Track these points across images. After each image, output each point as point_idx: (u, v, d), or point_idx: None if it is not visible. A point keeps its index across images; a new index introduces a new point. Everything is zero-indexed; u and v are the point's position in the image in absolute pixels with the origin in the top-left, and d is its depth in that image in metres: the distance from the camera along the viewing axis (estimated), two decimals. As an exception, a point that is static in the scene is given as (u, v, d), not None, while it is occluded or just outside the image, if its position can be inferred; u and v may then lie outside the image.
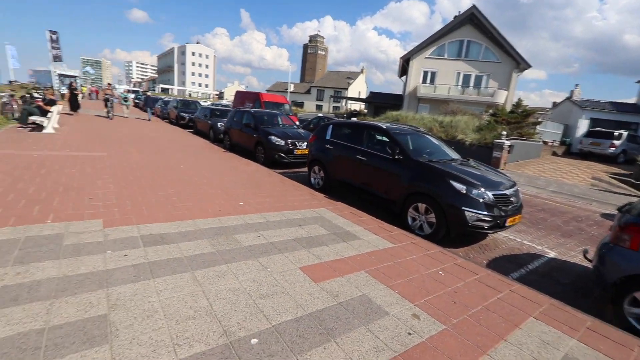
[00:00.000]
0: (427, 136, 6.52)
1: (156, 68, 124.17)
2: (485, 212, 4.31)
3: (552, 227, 6.12)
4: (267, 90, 70.44)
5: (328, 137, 6.97)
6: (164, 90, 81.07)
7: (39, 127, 9.45)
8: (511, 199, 4.63)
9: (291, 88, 59.86)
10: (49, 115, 9.68)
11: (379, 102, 33.74)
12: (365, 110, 36.30)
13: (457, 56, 28.08)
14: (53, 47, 28.88)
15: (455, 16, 27.67)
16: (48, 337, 1.92)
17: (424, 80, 29.23)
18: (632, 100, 25.39)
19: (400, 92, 32.20)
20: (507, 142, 13.48)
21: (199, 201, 4.81)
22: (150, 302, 2.36)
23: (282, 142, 9.05)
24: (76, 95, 16.02)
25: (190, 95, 72.42)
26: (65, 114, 14.22)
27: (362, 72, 61.80)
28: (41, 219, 3.51)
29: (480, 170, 5.25)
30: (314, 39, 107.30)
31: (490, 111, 19.28)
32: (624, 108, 24.06)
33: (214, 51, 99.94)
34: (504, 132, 13.83)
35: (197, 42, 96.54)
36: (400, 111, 22.01)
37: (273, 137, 9.16)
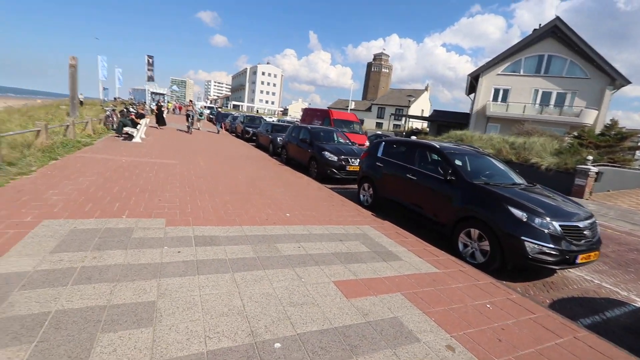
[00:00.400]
0: (488, 157, 6.06)
1: (230, 86, 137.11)
2: (551, 245, 3.82)
3: (644, 271, 5.11)
4: (329, 107, 72.66)
5: (379, 154, 6.91)
6: (235, 107, 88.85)
7: (130, 137, 11.13)
8: (585, 232, 4.03)
9: (352, 105, 60.81)
10: (138, 126, 11.36)
11: (442, 120, 32.36)
12: (427, 129, 35.05)
13: (535, 72, 25.74)
14: (148, 69, 34.14)
15: (535, 29, 25.55)
16: (107, 313, 2.25)
17: (495, 98, 27.29)
18: None
19: (468, 111, 30.48)
20: (594, 169, 11.75)
21: (249, 209, 5.14)
22: (192, 296, 2.59)
23: (335, 158, 9.21)
24: (162, 111, 18.07)
25: (257, 111, 78.10)
26: (152, 127, 16.43)
27: (426, 89, 60.12)
28: (119, 214, 4.12)
29: (548, 197, 4.69)
30: (378, 57, 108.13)
31: (575, 133, 17.08)
32: None
33: (281, 70, 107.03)
34: (590, 157, 12.08)
35: (267, 63, 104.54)
36: (466, 130, 20.76)
37: (326, 152, 9.38)
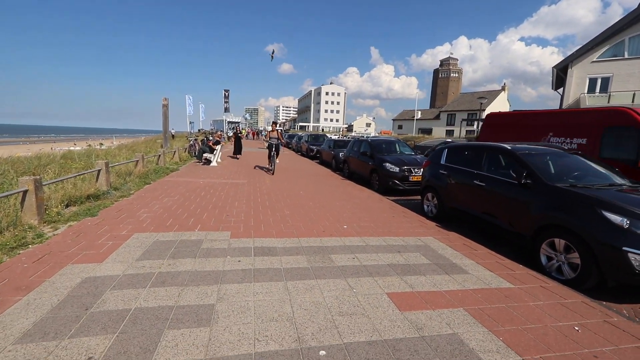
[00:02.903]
0: (578, 156, 5.20)
1: (297, 109, 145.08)
2: (667, 257, 3.04)
3: None
4: (393, 120, 71.11)
5: (443, 161, 6.49)
6: (302, 128, 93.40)
7: (208, 162, 12.55)
8: None
9: (418, 115, 58.66)
10: (214, 152, 12.77)
11: (523, 121, 28.85)
12: (506, 132, 31.62)
13: (646, 53, 21.41)
14: (225, 102, 38.51)
15: (641, 2, 21.48)
16: (174, 313, 2.52)
17: (591, 89, 23.39)
18: None
19: (557, 107, 26.71)
20: None
21: (307, 222, 5.28)
22: (247, 301, 2.75)
23: (397, 169, 8.93)
24: (240, 138, 17.14)
25: (322, 130, 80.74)
26: (230, 157, 16.17)
27: (503, 89, 54.76)
28: (193, 228, 4.65)
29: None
30: (445, 62, 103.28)
31: None
32: None
33: (344, 89, 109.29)
34: None
35: (331, 83, 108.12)
36: (553, 130, 18.13)
37: (387, 164, 9.16)
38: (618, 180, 4.49)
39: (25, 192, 4.28)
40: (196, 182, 8.45)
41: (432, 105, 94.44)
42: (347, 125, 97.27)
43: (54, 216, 4.68)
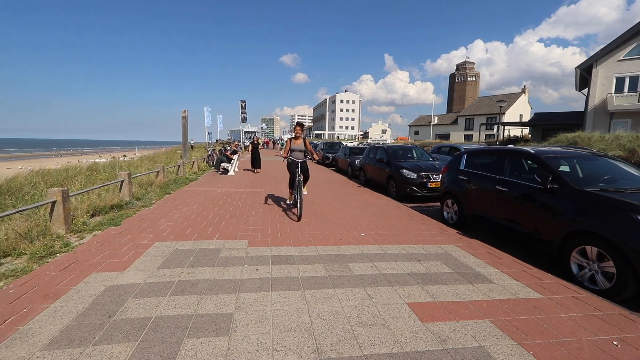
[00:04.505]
0: (607, 159, 4.95)
1: (312, 117, 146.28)
2: None
3: None
4: (410, 126, 70.41)
5: (462, 167, 6.32)
6: (317, 136, 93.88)
7: (226, 171, 12.78)
8: None
9: (434, 120, 57.82)
10: (232, 161, 13.00)
11: (547, 123, 27.99)
12: (529, 135, 30.62)
13: (676, 49, 20.36)
14: (242, 112, 39.30)
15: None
16: (193, 321, 2.53)
17: (619, 89, 22.38)
18: None
19: (581, 109, 25.68)
20: None
21: (324, 230, 5.24)
22: (265, 310, 2.73)
23: (414, 175, 8.78)
24: (257, 149, 14.07)
25: (338, 137, 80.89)
26: (248, 170, 14.08)
27: (523, 92, 53.28)
28: (211, 236, 4.70)
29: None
30: (461, 66, 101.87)
31: None
32: None
33: (359, 96, 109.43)
34: None
35: (345, 91, 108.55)
36: (579, 132, 17.38)
37: (405, 170, 9.03)
38: (654, 183, 4.22)
39: (53, 202, 4.48)
40: (214, 192, 8.60)
41: (449, 110, 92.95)
42: (362, 133, 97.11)
43: (80, 226, 4.86)
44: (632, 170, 4.60)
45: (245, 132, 42.39)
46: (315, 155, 6.57)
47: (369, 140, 60.53)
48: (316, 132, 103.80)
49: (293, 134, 6.33)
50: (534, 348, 2.32)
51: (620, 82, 22.43)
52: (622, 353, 2.30)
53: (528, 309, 2.90)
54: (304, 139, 6.32)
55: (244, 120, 40.44)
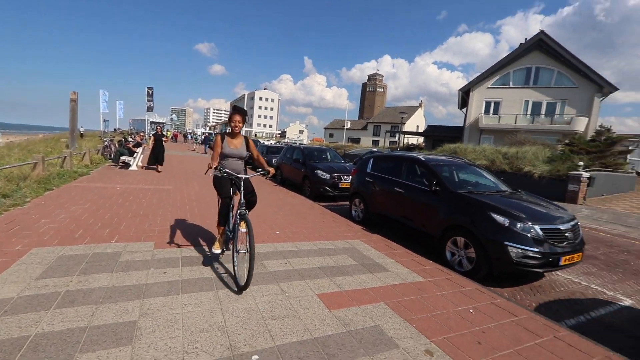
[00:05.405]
0: (475, 167, 6.18)
1: (229, 113, 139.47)
2: (534, 249, 3.86)
3: (633, 272, 5.10)
4: (325, 129, 73.70)
5: (369, 170, 7.05)
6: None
7: (126, 165, 11.33)
8: (566, 234, 4.08)
9: (348, 125, 61.79)
10: (135, 155, 11.60)
11: (437, 135, 32.78)
12: (423, 144, 35.45)
13: (524, 84, 26.39)
14: (148, 100, 35.16)
15: (521, 44, 26.43)
16: (87, 334, 2.28)
17: (487, 111, 27.82)
18: None
19: (461, 124, 30.99)
20: (586, 174, 11.87)
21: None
22: (174, 314, 2.63)
23: (328, 176, 9.35)
24: (162, 141, 11.83)
25: (255, 135, 79.26)
26: (149, 168, 11.77)
27: (420, 106, 61.30)
28: (108, 239, 4.20)
29: (530, 202, 4.77)
30: (372, 77, 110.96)
31: (566, 140, 17.31)
32: None
33: (278, 95, 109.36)
34: (581, 163, 12.23)
35: (265, 88, 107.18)
36: (459, 144, 21.04)
37: (319, 171, 9.53)
38: (503, 187, 5.50)
39: None
40: (112, 188, 7.57)
41: (361, 116, 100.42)
42: (280, 132, 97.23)
43: None
44: (490, 177, 5.87)
45: (152, 122, 37.91)
46: (269, 168, 3.61)
47: (286, 140, 61.04)
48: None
49: (227, 128, 3.70)
50: (416, 322, 2.83)
51: (488, 105, 27.92)
52: (475, 317, 2.99)
53: (414, 290, 3.49)
54: (246, 138, 3.77)
55: (149, 109, 36.14)
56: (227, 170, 3.38)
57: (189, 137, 53.05)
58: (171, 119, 64.29)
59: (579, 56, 23.82)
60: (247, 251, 3.04)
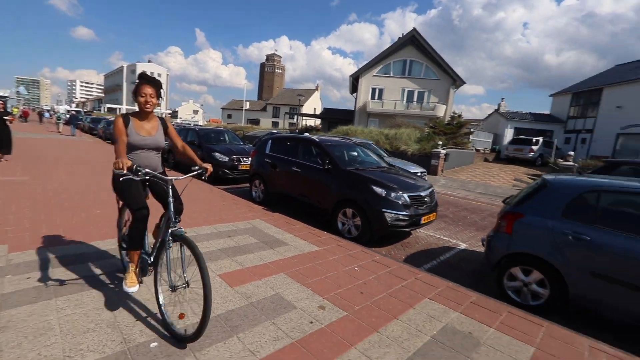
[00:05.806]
0: (361, 148, 6.99)
1: (102, 87, 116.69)
2: (403, 213, 4.75)
3: (469, 224, 6.82)
4: (222, 109, 69.54)
5: (267, 151, 7.17)
6: (111, 110, 76.31)
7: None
8: (425, 199, 5.15)
9: (247, 106, 59.79)
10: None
11: (332, 117, 34.94)
12: (320, 126, 37.33)
13: (401, 74, 30.26)
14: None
15: (399, 38, 29.99)
16: None
17: (373, 97, 31.00)
18: (548, 111, 29.02)
19: (353, 108, 33.78)
20: (443, 151, 14.71)
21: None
22: (47, 321, 2.31)
23: (226, 159, 9.09)
24: (4, 121, 9.33)
25: (139, 115, 68.84)
26: None
27: (316, 89, 63.66)
28: None
29: (400, 175, 5.76)
30: (270, 57, 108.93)
31: (430, 124, 20.93)
32: (541, 118, 27.44)
33: (166, 70, 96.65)
34: (440, 142, 15.10)
35: (149, 61, 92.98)
36: (351, 126, 23.08)
37: (217, 153, 9.17)
38: (383, 164, 6.44)
39: None
40: None
41: (260, 97, 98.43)
42: (171, 111, 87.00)
43: None
44: (373, 155, 6.77)
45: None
46: (205, 165, 2.81)
47: (179, 120, 55.23)
48: (110, 105, 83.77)
49: (135, 106, 2.76)
50: (311, 285, 3.21)
51: (374, 91, 31.13)
52: (359, 274, 3.57)
53: (310, 259, 3.89)
54: (163, 121, 2.90)
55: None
56: (147, 170, 2.34)
57: (47, 115, 42.62)
58: (17, 92, 49.86)
59: (441, 53, 28.69)
60: (202, 288, 2.18)
